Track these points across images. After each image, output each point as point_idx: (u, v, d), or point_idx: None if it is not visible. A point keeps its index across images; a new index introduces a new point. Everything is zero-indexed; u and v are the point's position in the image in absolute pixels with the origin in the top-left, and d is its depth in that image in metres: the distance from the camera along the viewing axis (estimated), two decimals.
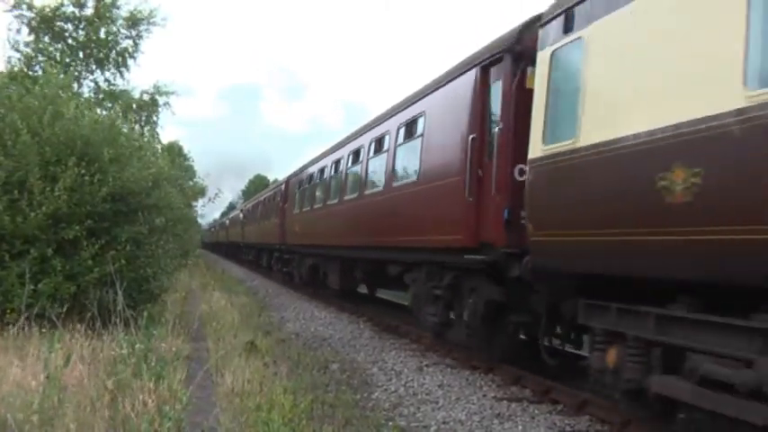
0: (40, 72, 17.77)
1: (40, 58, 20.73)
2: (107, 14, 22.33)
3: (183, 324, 9.96)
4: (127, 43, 23.23)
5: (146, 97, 24.03)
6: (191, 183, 33.63)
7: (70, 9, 21.94)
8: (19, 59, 20.47)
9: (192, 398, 5.74)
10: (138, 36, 23.28)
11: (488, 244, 8.81)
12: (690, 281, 5.46)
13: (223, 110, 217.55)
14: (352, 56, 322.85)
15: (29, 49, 21.13)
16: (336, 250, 16.81)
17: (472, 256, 9.05)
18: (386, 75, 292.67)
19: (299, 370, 8.97)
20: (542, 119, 7.35)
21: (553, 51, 7.37)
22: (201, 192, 30.02)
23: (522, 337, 9.68)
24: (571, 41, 7.05)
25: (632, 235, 5.78)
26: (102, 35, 22.52)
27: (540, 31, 7.71)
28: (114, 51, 22.99)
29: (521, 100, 8.30)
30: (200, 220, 38.03)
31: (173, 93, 24.70)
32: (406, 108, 12.45)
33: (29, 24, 21.41)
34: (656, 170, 5.40)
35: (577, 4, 6.95)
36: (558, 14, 7.29)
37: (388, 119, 13.56)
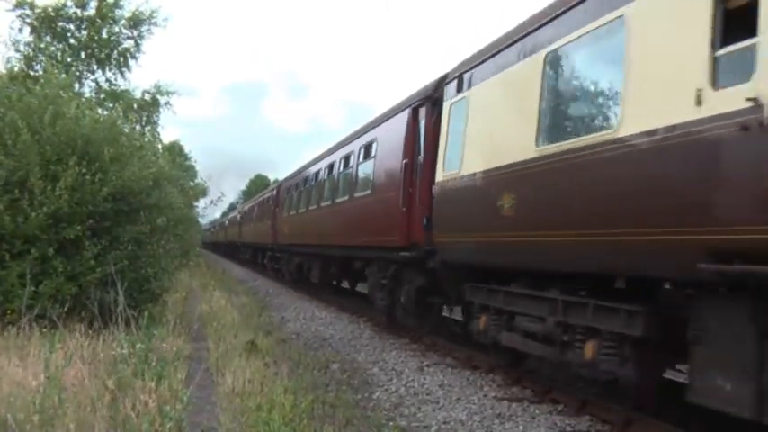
0: (40, 72, 17.74)
1: (41, 58, 20.71)
2: (109, 15, 22.32)
3: (183, 324, 9.97)
4: (128, 43, 23.23)
5: (147, 97, 23.97)
6: (191, 183, 33.55)
7: (72, 9, 21.94)
8: (19, 60, 20.41)
9: (192, 398, 5.74)
10: (140, 36, 23.27)
11: (416, 244, 11.30)
12: (519, 269, 8.36)
13: (224, 109, 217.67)
14: (353, 55, 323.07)
15: (30, 49, 21.10)
16: (316, 249, 19.31)
17: (405, 253, 11.59)
18: (387, 74, 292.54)
19: (299, 370, 8.97)
20: (443, 152, 10.25)
21: (450, 104, 10.26)
22: (203, 192, 29.94)
23: (444, 314, 12.39)
24: (461, 99, 9.87)
25: (486, 237, 8.65)
26: (104, 35, 22.50)
27: (445, 88, 10.62)
28: (116, 51, 22.97)
29: (437, 136, 10.71)
30: (200, 220, 37.97)
31: (174, 92, 24.63)
32: (365, 133, 15.44)
33: (30, 24, 21.40)
34: (496, 194, 8.20)
35: (465, 72, 9.82)
36: (454, 78, 10.17)
37: (353, 140, 16.46)
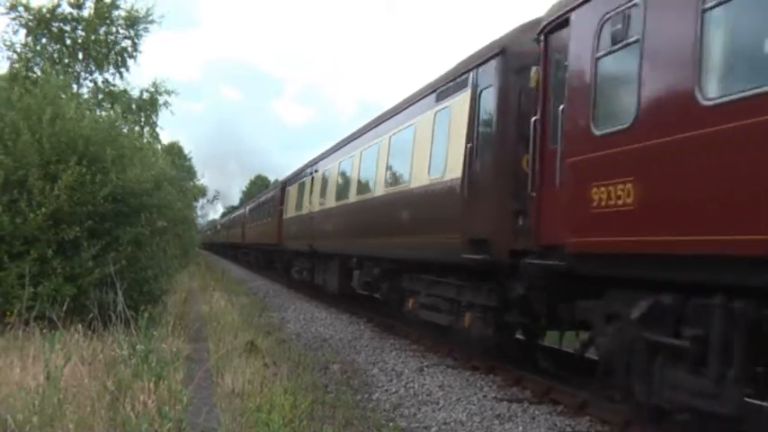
0: (38, 74, 17.72)
1: (39, 60, 20.68)
2: (106, 15, 22.27)
3: (183, 325, 9.96)
4: (126, 43, 23.18)
5: (145, 96, 23.84)
6: (191, 183, 33.55)
7: (68, 10, 21.91)
8: (17, 62, 20.35)
9: (192, 398, 5.73)
10: (137, 35, 23.22)
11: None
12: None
13: (228, 108, 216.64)
14: (360, 54, 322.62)
15: (28, 51, 21.06)
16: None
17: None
18: (395, 73, 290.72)
19: (299, 370, 8.95)
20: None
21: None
22: (202, 192, 30.04)
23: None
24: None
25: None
26: (101, 35, 22.46)
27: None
28: (113, 52, 22.93)
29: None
30: (199, 221, 38.06)
31: (173, 91, 24.45)
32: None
33: (26, 26, 21.35)
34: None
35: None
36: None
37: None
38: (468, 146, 9.47)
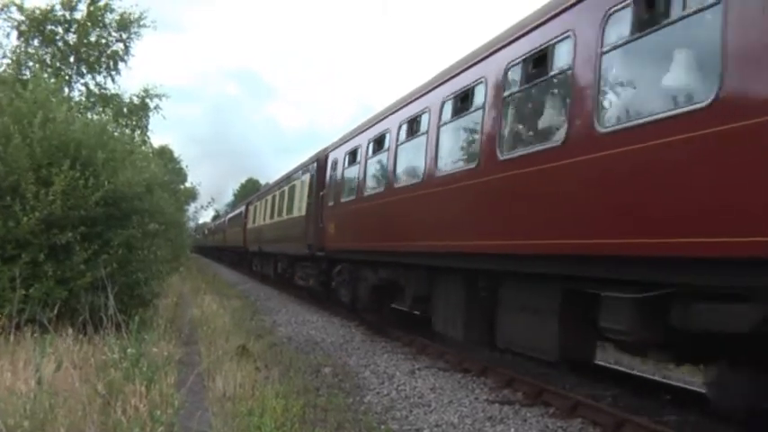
0: (29, 76, 17.65)
1: (30, 63, 20.63)
2: (99, 18, 22.22)
3: (174, 328, 9.96)
4: (118, 46, 23.14)
5: (136, 100, 23.77)
6: (181, 187, 33.51)
7: (61, 12, 21.86)
8: (8, 64, 20.28)
9: (183, 402, 5.74)
10: (129, 39, 23.18)
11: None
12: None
13: (219, 111, 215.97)
14: (351, 59, 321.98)
15: (20, 52, 20.99)
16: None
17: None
18: (392, 73, 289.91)
19: (290, 374, 8.96)
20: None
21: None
22: (192, 195, 30.11)
23: None
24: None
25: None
26: (93, 39, 22.41)
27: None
28: (105, 55, 22.88)
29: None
30: (191, 224, 37.97)
31: (163, 95, 24.39)
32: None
33: (18, 28, 21.28)
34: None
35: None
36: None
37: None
38: (308, 200, 19.36)
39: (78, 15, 22.11)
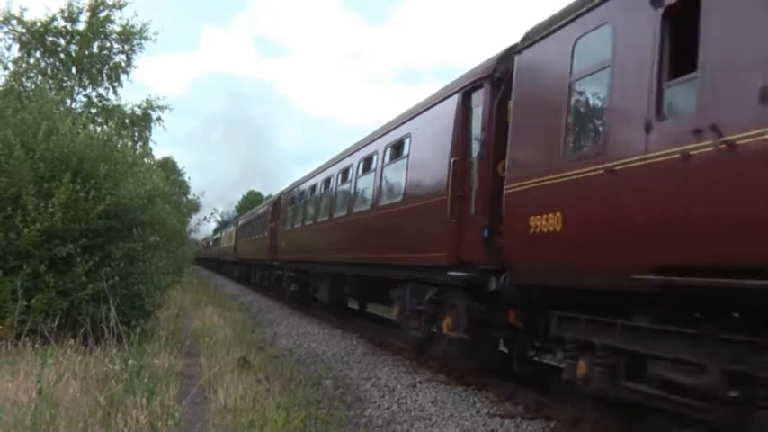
0: (30, 87, 17.71)
1: (32, 75, 20.71)
2: (100, 29, 22.32)
3: (175, 340, 9.95)
4: (120, 58, 23.25)
5: (138, 112, 23.86)
6: (184, 199, 33.57)
7: (62, 24, 21.96)
8: (9, 77, 20.34)
9: (184, 414, 5.74)
10: (131, 51, 23.29)
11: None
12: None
13: (222, 123, 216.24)
14: (364, 64, 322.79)
15: (22, 63, 21.05)
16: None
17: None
18: (400, 81, 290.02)
19: (291, 386, 8.95)
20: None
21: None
22: (195, 207, 30.23)
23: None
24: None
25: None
26: (95, 50, 22.51)
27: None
28: (107, 66, 22.98)
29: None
30: (193, 236, 38.05)
31: (165, 107, 24.49)
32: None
33: (19, 40, 21.36)
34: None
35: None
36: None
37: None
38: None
39: (80, 27, 22.24)
